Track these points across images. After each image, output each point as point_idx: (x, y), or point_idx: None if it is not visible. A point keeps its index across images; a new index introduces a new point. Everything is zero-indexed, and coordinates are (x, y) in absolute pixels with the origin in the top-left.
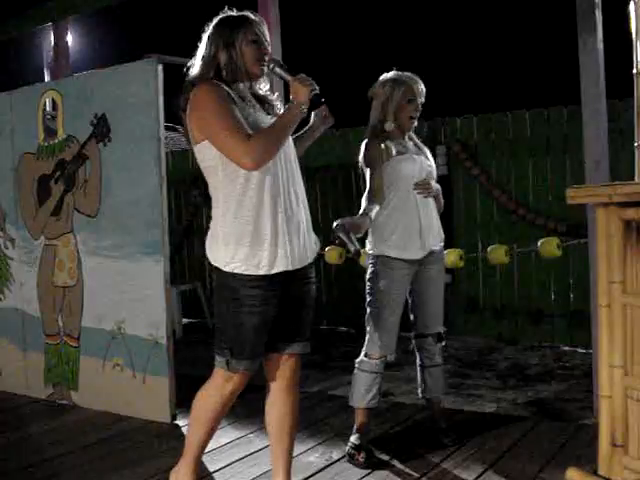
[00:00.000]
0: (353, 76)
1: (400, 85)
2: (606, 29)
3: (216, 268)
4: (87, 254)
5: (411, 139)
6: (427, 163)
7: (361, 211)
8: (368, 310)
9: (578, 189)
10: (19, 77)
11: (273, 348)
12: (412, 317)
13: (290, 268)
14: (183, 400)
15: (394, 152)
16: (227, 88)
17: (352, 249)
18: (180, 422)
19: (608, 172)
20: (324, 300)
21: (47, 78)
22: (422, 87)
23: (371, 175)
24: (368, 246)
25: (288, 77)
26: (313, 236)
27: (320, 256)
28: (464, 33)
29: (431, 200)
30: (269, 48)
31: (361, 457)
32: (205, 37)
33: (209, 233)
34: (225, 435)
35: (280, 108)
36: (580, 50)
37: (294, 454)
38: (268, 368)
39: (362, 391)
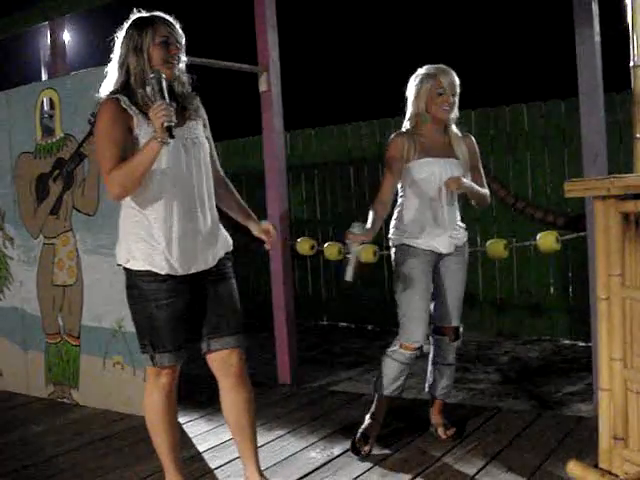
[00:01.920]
0: (350, 72)
1: (429, 79)
2: (603, 21)
3: (122, 267)
4: (86, 253)
5: (450, 133)
6: (455, 164)
7: (368, 223)
8: (398, 299)
9: (576, 182)
10: (16, 76)
11: (207, 348)
12: (431, 309)
13: (180, 274)
14: (182, 398)
15: (416, 155)
16: (126, 104)
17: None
18: (181, 420)
19: (606, 165)
20: (324, 296)
21: (44, 77)
22: (453, 79)
23: (385, 176)
24: (392, 236)
25: (154, 99)
26: (217, 245)
27: (319, 252)
28: (461, 27)
29: (454, 198)
30: (180, 49)
31: (365, 450)
32: (117, 42)
33: (119, 237)
34: (225, 432)
35: (199, 105)
36: (577, 43)
37: (294, 450)
38: (212, 368)
39: (390, 380)
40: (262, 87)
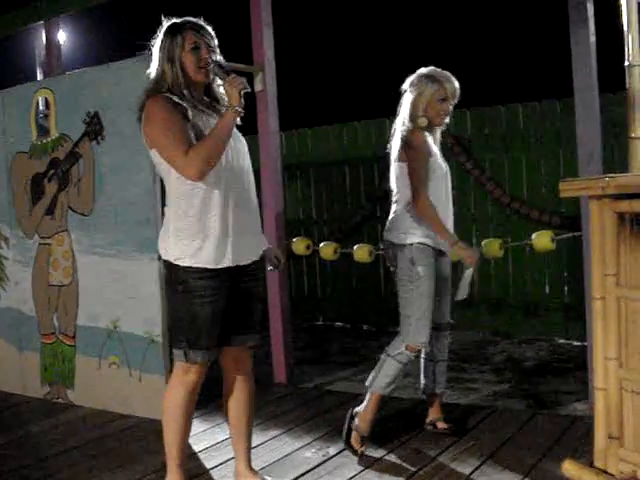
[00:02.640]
0: (346, 72)
1: (434, 83)
2: (598, 21)
3: (166, 262)
4: (82, 253)
5: (436, 136)
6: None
7: (448, 229)
8: (406, 300)
9: (571, 182)
10: (11, 76)
11: (226, 341)
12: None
13: (233, 265)
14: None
15: (430, 152)
16: (177, 100)
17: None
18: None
19: (601, 165)
20: (320, 296)
21: (39, 76)
22: (455, 87)
23: (420, 173)
24: (401, 236)
25: (224, 78)
26: (261, 237)
27: (315, 252)
28: (456, 26)
29: (450, 198)
30: (212, 51)
31: (361, 450)
32: (154, 49)
33: (161, 229)
34: (222, 431)
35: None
36: (572, 43)
37: (290, 450)
38: (223, 361)
39: (388, 380)
40: (257, 87)
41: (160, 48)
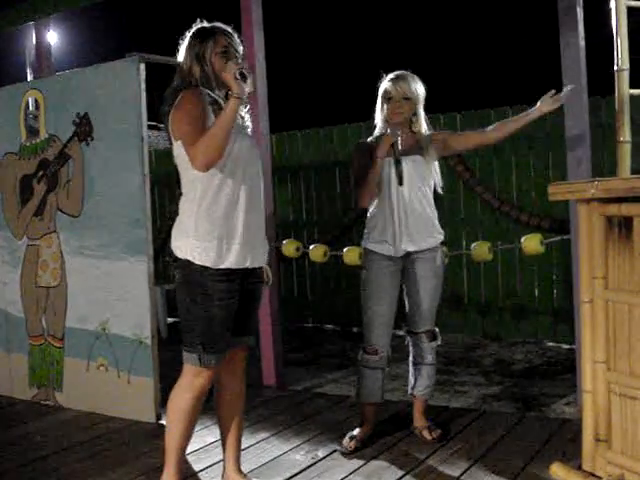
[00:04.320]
0: (336, 75)
1: (381, 87)
2: (588, 26)
3: (182, 262)
4: (70, 254)
5: (418, 134)
6: (418, 161)
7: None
8: (361, 303)
9: (560, 185)
10: (1, 76)
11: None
12: (406, 314)
13: (255, 265)
14: (168, 400)
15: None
16: (211, 93)
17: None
18: (165, 422)
19: (590, 169)
20: (309, 298)
21: (29, 77)
22: (399, 84)
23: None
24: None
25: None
26: (266, 240)
27: (305, 254)
28: (446, 30)
29: (419, 202)
30: (239, 57)
31: (350, 446)
32: (182, 49)
33: (177, 226)
34: (210, 434)
35: (246, 114)
36: (562, 47)
37: (279, 453)
38: None
39: (365, 387)
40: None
41: (188, 48)
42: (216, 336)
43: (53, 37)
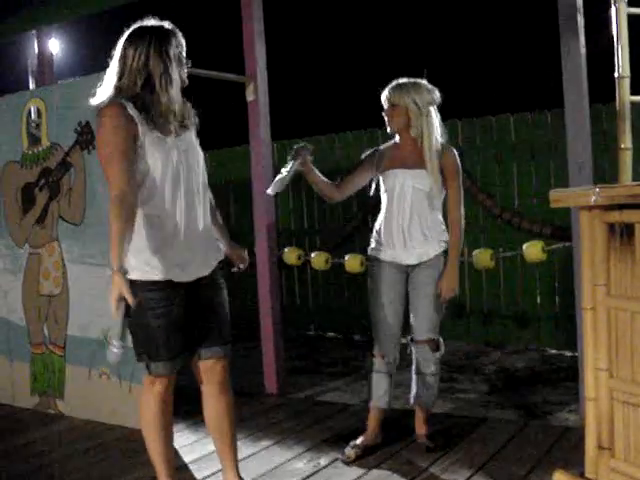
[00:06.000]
0: (338, 82)
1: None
2: (589, 33)
3: None
4: (72, 262)
5: (421, 144)
6: (422, 175)
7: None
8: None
9: (561, 193)
10: (3, 84)
11: (198, 356)
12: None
13: (194, 277)
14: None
15: (383, 167)
16: (132, 108)
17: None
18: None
19: (592, 175)
20: (311, 306)
21: (31, 85)
22: (389, 92)
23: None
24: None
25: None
26: (215, 249)
27: (307, 262)
28: (447, 38)
29: (424, 210)
30: (180, 56)
31: (350, 455)
32: (126, 48)
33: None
34: (212, 443)
35: (192, 114)
36: (563, 54)
37: (281, 461)
38: (197, 374)
39: (373, 391)
40: (249, 97)
41: (142, 44)
42: (158, 345)
43: (55, 46)
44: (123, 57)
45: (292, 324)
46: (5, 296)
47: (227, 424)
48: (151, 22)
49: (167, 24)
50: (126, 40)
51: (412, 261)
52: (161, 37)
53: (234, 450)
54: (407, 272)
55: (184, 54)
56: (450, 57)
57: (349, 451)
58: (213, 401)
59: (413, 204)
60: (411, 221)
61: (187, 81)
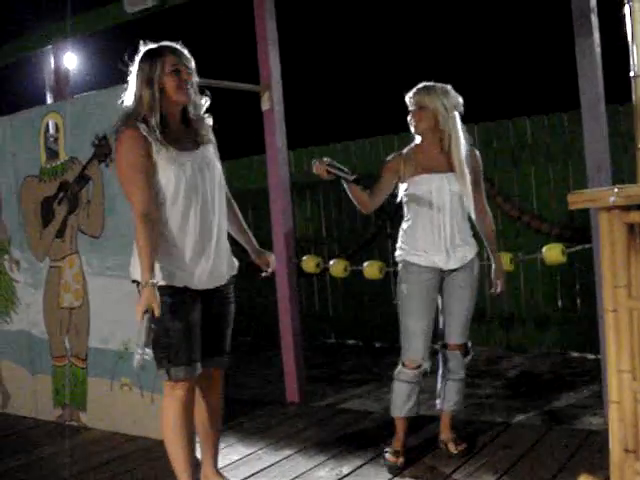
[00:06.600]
0: (353, 89)
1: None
2: (604, 32)
3: (136, 283)
4: (92, 275)
5: (448, 147)
6: (453, 178)
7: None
8: (399, 317)
9: (579, 194)
10: (21, 99)
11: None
12: (440, 326)
13: (211, 286)
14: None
15: (412, 172)
16: (145, 130)
17: (348, 176)
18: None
19: (610, 176)
20: (331, 314)
21: (49, 100)
22: (418, 94)
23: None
24: (396, 253)
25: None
26: (231, 260)
27: (325, 270)
28: (461, 41)
29: (459, 214)
30: (191, 73)
31: (400, 462)
32: (138, 68)
33: (133, 252)
34: (234, 452)
35: (209, 129)
36: (577, 54)
37: (303, 470)
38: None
39: (399, 401)
40: (264, 106)
41: (138, 72)
42: (178, 348)
43: (72, 60)
44: (135, 77)
45: (312, 332)
46: (26, 309)
47: (215, 426)
48: (147, 47)
49: (177, 44)
50: (138, 61)
51: (452, 265)
52: (147, 63)
53: (216, 447)
54: (443, 277)
55: (193, 71)
56: (464, 62)
57: (394, 459)
58: (207, 405)
59: (452, 208)
60: (451, 225)
61: (199, 101)
